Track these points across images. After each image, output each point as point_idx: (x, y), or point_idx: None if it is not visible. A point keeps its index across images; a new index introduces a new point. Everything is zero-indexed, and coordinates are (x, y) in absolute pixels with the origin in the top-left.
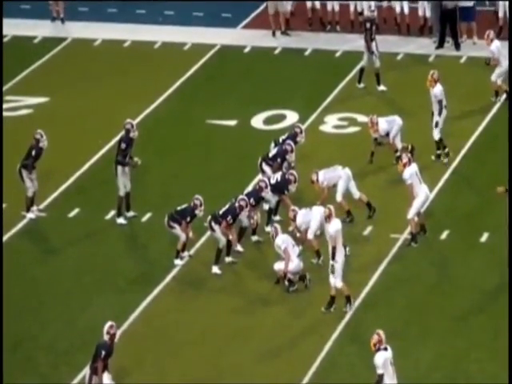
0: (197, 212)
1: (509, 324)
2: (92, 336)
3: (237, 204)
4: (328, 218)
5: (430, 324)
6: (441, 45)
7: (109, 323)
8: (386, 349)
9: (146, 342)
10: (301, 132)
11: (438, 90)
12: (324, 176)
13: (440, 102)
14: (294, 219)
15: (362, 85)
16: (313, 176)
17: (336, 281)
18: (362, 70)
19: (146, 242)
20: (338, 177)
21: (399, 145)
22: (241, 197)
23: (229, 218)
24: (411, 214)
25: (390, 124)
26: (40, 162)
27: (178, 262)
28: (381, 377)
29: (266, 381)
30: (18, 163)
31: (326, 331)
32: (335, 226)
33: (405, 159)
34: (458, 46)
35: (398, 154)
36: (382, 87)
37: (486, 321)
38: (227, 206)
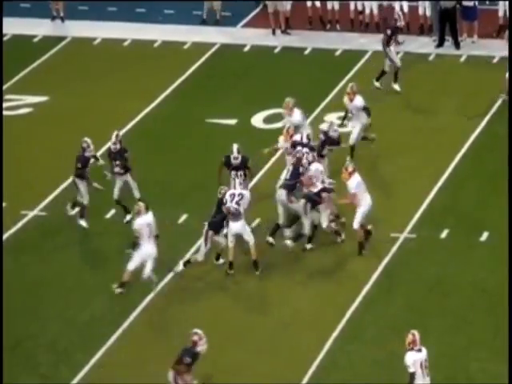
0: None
1: (509, 324)
2: (92, 335)
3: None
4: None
5: (430, 323)
6: (441, 44)
7: (193, 330)
8: (419, 350)
9: (147, 340)
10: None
11: (358, 101)
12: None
13: (366, 108)
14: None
15: (377, 84)
16: (350, 167)
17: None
18: (383, 72)
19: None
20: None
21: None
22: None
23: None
24: (356, 224)
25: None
26: (39, 160)
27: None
28: (412, 375)
29: (267, 379)
30: (18, 162)
31: (326, 330)
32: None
33: (350, 168)
34: (457, 45)
35: (348, 161)
36: (396, 86)
37: (486, 320)
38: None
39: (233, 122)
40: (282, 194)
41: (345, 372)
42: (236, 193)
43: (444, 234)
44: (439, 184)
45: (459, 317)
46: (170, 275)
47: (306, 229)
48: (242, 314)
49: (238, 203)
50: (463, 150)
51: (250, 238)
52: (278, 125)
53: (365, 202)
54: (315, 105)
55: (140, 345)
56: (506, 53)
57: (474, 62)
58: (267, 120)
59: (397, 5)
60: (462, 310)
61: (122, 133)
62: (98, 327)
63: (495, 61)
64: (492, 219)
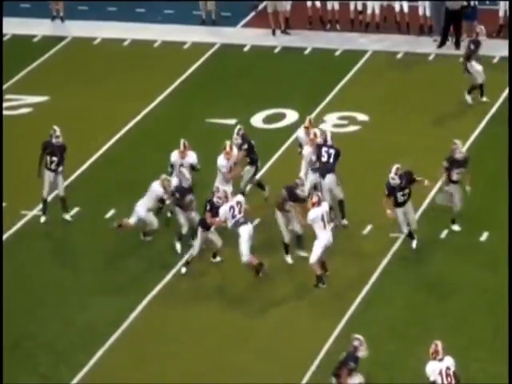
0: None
1: (509, 324)
2: (92, 335)
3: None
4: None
5: (430, 323)
6: (443, 44)
7: (354, 335)
8: (441, 360)
9: (146, 341)
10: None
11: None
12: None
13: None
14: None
15: (469, 97)
16: (314, 198)
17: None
18: (480, 86)
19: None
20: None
21: None
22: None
23: None
24: (312, 258)
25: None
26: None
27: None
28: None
29: (266, 379)
30: (18, 162)
31: (325, 330)
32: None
33: (314, 198)
34: (458, 45)
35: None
36: (484, 99)
37: (486, 320)
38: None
39: (232, 121)
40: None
41: None
42: (234, 204)
43: (443, 235)
44: (438, 184)
45: (459, 317)
46: (170, 275)
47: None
48: (241, 314)
49: (240, 212)
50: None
51: (251, 242)
52: (278, 125)
53: (323, 237)
54: (315, 105)
55: (139, 345)
56: (505, 53)
57: None
58: (267, 120)
59: (397, 5)
60: (462, 310)
61: (122, 133)
62: (97, 327)
63: (495, 61)
64: (492, 219)
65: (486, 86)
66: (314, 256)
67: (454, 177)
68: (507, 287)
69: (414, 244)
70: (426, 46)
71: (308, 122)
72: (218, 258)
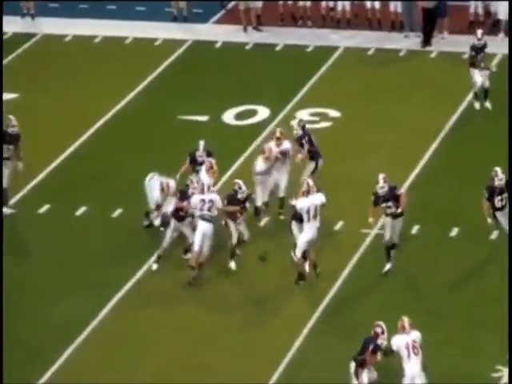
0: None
1: (509, 324)
2: (64, 332)
3: None
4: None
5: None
6: (427, 43)
7: (376, 322)
8: (408, 334)
9: (117, 339)
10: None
11: (287, 144)
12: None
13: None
14: None
15: (488, 104)
16: (304, 186)
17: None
18: (484, 91)
19: (118, 238)
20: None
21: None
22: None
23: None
24: (298, 251)
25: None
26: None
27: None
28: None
29: (238, 377)
30: None
31: (297, 327)
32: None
33: (304, 187)
34: (428, 42)
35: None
36: (487, 104)
37: (459, 316)
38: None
39: (204, 118)
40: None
41: (316, 369)
42: (206, 199)
43: (415, 230)
44: (410, 179)
45: (432, 313)
46: (141, 273)
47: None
48: (212, 312)
49: (209, 210)
50: (434, 146)
51: (210, 242)
52: (249, 121)
53: (308, 229)
54: (287, 101)
55: (110, 344)
56: None
57: (444, 58)
58: (238, 116)
59: (368, 1)
60: (434, 306)
61: (93, 130)
62: (68, 325)
63: (465, 57)
64: (463, 215)
65: (457, 82)
66: (299, 251)
67: (498, 204)
68: (478, 281)
69: (387, 267)
70: (397, 42)
71: (279, 133)
72: (189, 255)
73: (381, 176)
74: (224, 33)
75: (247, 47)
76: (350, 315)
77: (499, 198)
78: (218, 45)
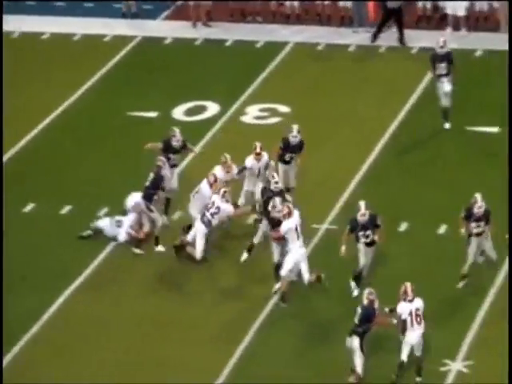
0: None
1: (509, 323)
2: (10, 331)
3: None
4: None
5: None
6: (375, 38)
7: (367, 290)
8: (411, 301)
9: (67, 335)
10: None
11: (266, 158)
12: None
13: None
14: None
15: (447, 125)
16: (285, 208)
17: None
18: (444, 112)
19: (65, 236)
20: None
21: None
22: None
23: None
24: (284, 271)
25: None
26: None
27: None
28: (404, 322)
29: (190, 370)
30: None
31: (247, 321)
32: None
33: (285, 210)
34: (402, 42)
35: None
36: (447, 125)
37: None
38: None
39: (154, 114)
40: None
41: (265, 362)
42: (215, 203)
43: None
44: (360, 174)
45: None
46: (90, 269)
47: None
48: (164, 306)
49: (212, 215)
50: (383, 141)
51: (201, 241)
52: (199, 117)
53: (294, 250)
54: (236, 97)
55: (60, 339)
56: (425, 43)
57: (393, 53)
58: (188, 112)
59: None
60: (384, 300)
61: (41, 127)
62: (15, 323)
63: (414, 51)
64: (412, 210)
65: (406, 77)
66: (285, 270)
67: (474, 230)
68: (430, 275)
69: (356, 292)
70: (347, 37)
71: (259, 149)
72: (160, 247)
73: (362, 203)
74: (173, 29)
75: (197, 43)
76: (298, 310)
77: (476, 224)
78: (168, 41)
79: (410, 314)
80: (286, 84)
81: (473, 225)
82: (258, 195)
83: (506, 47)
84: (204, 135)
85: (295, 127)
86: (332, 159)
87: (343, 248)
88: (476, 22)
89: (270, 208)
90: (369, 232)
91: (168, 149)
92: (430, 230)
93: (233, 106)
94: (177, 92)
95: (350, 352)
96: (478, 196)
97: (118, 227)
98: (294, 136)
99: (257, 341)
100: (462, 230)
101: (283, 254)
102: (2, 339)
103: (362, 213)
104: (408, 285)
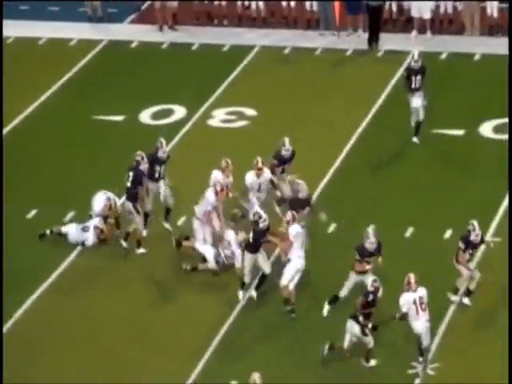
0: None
1: (509, 323)
2: None
3: None
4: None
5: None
6: (370, 44)
7: (372, 278)
8: (414, 291)
9: (37, 339)
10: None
11: (268, 174)
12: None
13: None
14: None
15: (415, 139)
16: (288, 216)
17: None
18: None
19: (31, 239)
20: (297, 254)
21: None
22: None
23: None
24: (285, 279)
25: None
26: None
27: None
28: (404, 315)
29: (161, 373)
30: None
31: (218, 321)
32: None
33: (288, 216)
34: (376, 42)
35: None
36: (415, 139)
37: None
38: None
39: (120, 118)
40: None
41: (237, 361)
42: (231, 247)
43: (332, 228)
44: (327, 177)
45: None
46: (59, 271)
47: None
48: (135, 308)
49: (226, 258)
50: (351, 143)
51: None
52: (166, 121)
53: (296, 257)
54: (203, 100)
55: (31, 342)
56: (391, 46)
57: (359, 56)
58: (155, 116)
59: (284, 2)
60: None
61: (6, 132)
62: None
63: (380, 54)
64: (379, 211)
65: (372, 79)
66: (285, 279)
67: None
68: (393, 276)
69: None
70: (313, 40)
71: (261, 163)
72: (142, 250)
73: (371, 231)
74: (139, 32)
75: (163, 47)
76: (269, 307)
77: (471, 251)
78: (134, 44)
79: (415, 302)
80: (252, 87)
81: (469, 252)
82: (256, 209)
83: (470, 50)
84: (171, 139)
85: (287, 140)
86: (300, 162)
87: (353, 278)
88: (441, 24)
89: (255, 219)
90: (373, 258)
91: (154, 161)
92: (398, 232)
93: (200, 109)
94: (143, 96)
95: (347, 333)
96: (475, 223)
97: (85, 232)
98: (287, 149)
99: (227, 342)
100: (466, 271)
101: (254, 270)
102: (2, 339)
103: (372, 241)
104: (411, 275)
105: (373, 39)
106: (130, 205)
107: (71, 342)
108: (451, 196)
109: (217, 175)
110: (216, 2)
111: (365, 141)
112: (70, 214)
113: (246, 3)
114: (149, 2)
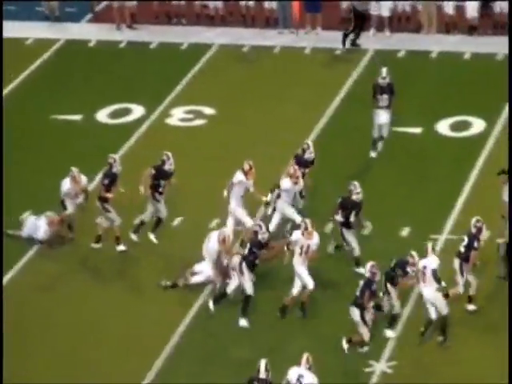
0: (115, 170)
1: (509, 324)
2: None
3: None
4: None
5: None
6: (355, 41)
7: (370, 263)
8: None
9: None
10: (308, 147)
11: (302, 183)
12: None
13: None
14: None
15: (374, 154)
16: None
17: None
18: (374, 141)
19: None
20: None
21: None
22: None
23: None
24: (295, 289)
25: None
26: None
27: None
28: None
29: (119, 374)
30: None
31: (174, 320)
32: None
33: (309, 224)
34: (355, 44)
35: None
36: (373, 154)
37: (335, 314)
38: None
39: (78, 117)
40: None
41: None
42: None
43: (288, 227)
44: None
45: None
46: (18, 267)
47: None
48: (89, 309)
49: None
50: (310, 141)
51: None
52: (123, 120)
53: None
54: (161, 99)
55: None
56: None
57: (318, 54)
58: (113, 115)
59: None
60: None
61: None
62: None
63: (338, 52)
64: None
65: (330, 78)
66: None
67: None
68: (347, 278)
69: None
70: (272, 38)
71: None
72: (100, 245)
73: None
74: (97, 31)
75: (121, 46)
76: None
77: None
78: (92, 44)
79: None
80: (211, 86)
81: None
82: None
83: (428, 48)
84: (129, 138)
85: (311, 143)
86: (259, 161)
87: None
88: (398, 22)
89: (255, 229)
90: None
91: (160, 174)
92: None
93: (158, 108)
94: (101, 95)
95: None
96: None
97: (37, 226)
98: (311, 152)
99: (184, 338)
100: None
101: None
102: (2, 340)
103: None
104: (429, 245)
105: (352, 39)
106: (99, 204)
107: (29, 343)
108: (409, 193)
109: (239, 177)
110: (174, 2)
111: (323, 139)
112: (26, 214)
113: (205, 2)
114: (107, 2)
